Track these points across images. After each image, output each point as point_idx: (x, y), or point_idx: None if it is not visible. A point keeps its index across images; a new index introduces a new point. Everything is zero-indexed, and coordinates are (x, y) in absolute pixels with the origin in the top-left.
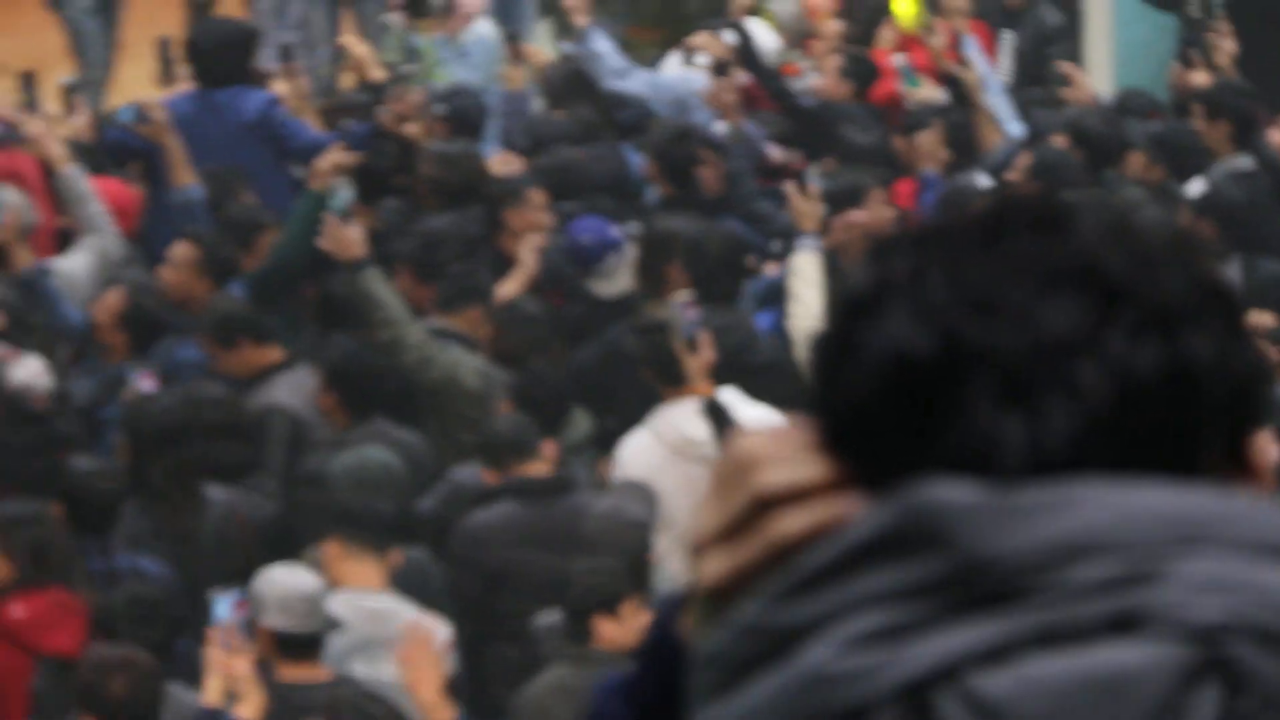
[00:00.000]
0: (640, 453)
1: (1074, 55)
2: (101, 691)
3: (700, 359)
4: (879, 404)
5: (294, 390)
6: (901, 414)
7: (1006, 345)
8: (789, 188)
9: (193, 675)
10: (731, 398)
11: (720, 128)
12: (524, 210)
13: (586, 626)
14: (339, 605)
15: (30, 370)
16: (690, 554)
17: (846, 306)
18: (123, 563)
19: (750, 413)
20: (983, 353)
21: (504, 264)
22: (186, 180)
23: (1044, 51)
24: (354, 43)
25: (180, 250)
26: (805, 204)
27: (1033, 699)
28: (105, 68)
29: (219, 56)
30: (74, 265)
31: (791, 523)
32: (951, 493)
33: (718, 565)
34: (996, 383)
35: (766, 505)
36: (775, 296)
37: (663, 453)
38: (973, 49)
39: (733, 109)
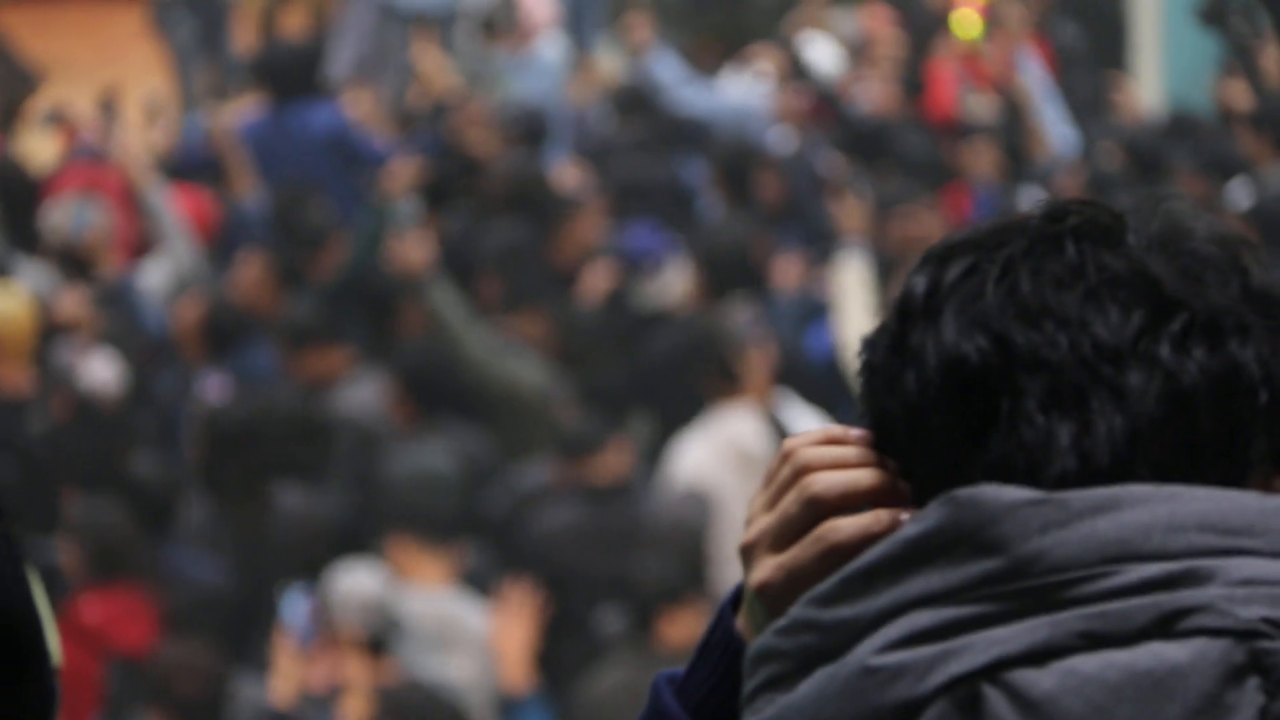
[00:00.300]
0: (697, 457)
1: (1119, 65)
2: (169, 689)
3: (758, 364)
4: (931, 406)
5: (364, 393)
6: (953, 417)
7: (1057, 352)
8: (834, 195)
9: (261, 673)
10: (788, 403)
11: (781, 139)
12: (582, 220)
13: (650, 627)
14: (406, 604)
15: (100, 371)
16: (742, 555)
17: (901, 310)
18: (190, 561)
19: (806, 418)
20: (1033, 359)
21: (561, 272)
22: (248, 192)
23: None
24: (425, 56)
25: (249, 259)
26: (849, 211)
27: (1077, 695)
28: (199, 90)
29: (287, 70)
30: (152, 274)
31: (845, 527)
32: (1001, 495)
33: (770, 567)
34: (1046, 388)
35: (820, 509)
36: (819, 309)
37: (720, 458)
38: (1029, 61)
39: (797, 120)
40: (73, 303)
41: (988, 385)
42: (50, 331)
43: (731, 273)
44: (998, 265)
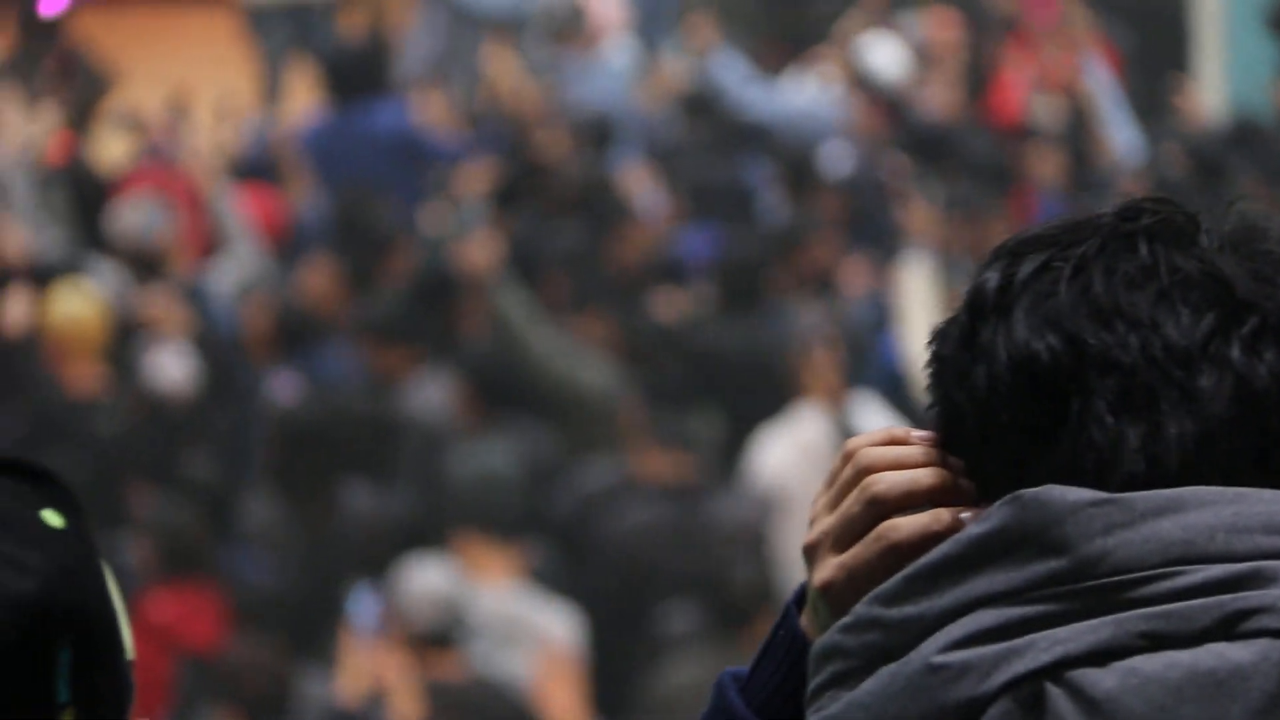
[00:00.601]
0: (776, 454)
1: (1181, 69)
2: (237, 686)
3: (826, 365)
4: (1001, 403)
5: (431, 391)
6: (1022, 414)
7: (1128, 353)
8: (900, 199)
9: (326, 669)
10: (858, 404)
11: (843, 145)
12: (645, 224)
13: (728, 627)
14: (474, 601)
15: (172, 370)
16: (806, 555)
17: (973, 305)
18: (251, 560)
19: (875, 419)
20: (1105, 360)
21: (625, 274)
22: (305, 195)
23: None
24: (495, 58)
25: (318, 262)
26: (917, 214)
27: (1139, 695)
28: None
29: (351, 72)
30: (221, 275)
31: (905, 526)
32: (1066, 496)
33: (833, 566)
34: (1117, 390)
35: (881, 509)
36: (886, 313)
37: (796, 456)
38: (1094, 65)
39: (861, 124)
40: (154, 303)
41: (1058, 385)
42: (122, 331)
43: (742, 289)
44: (1070, 263)
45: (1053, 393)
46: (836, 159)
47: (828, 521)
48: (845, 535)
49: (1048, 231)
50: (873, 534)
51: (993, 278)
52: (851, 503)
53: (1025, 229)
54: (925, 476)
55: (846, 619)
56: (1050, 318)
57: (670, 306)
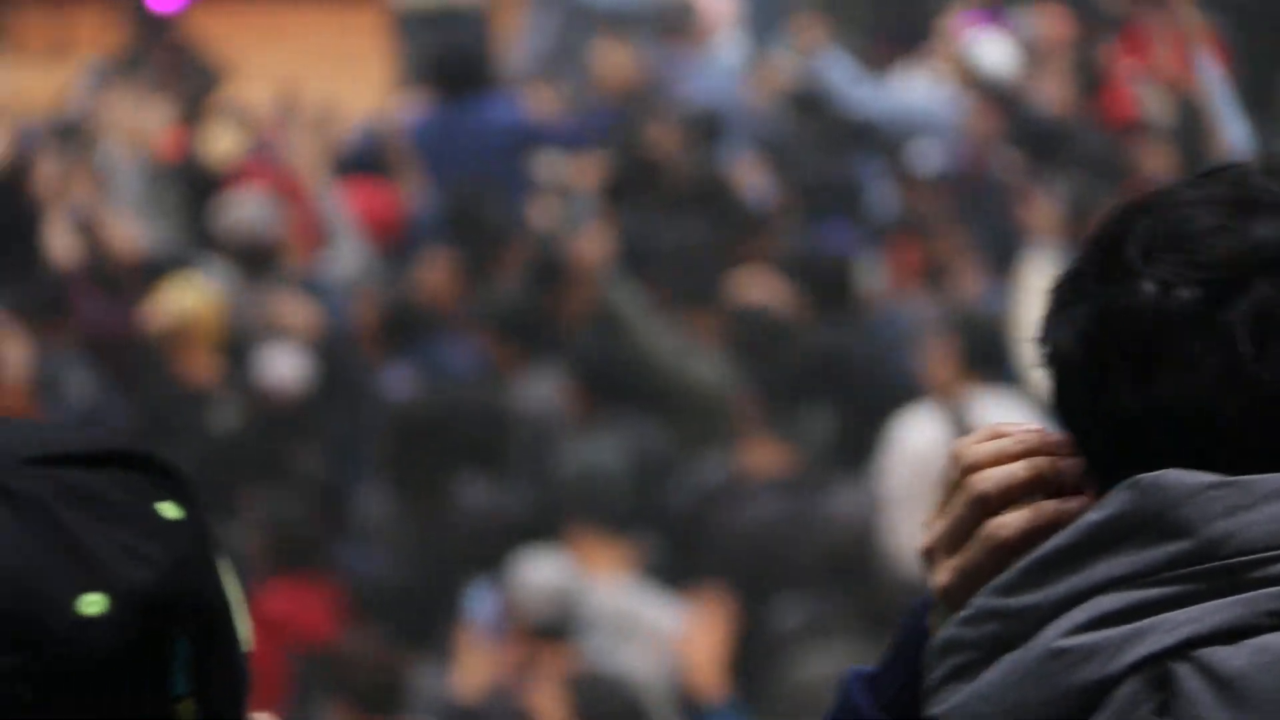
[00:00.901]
0: (899, 451)
1: None
2: (350, 680)
3: (944, 360)
4: (1108, 343)
5: (546, 385)
6: (1125, 360)
7: (1237, 319)
8: (1019, 196)
9: (441, 664)
10: (989, 399)
11: (954, 139)
12: (760, 219)
13: (854, 621)
14: (589, 595)
15: (284, 364)
16: (924, 559)
17: (1093, 254)
18: (364, 555)
19: (1005, 413)
20: (1214, 324)
21: (739, 269)
22: (418, 190)
23: None
24: (606, 54)
25: (435, 256)
26: (1038, 211)
27: (1271, 672)
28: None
29: (459, 67)
30: (330, 270)
31: (1009, 524)
32: (1184, 479)
33: (947, 570)
34: (1227, 355)
35: (986, 507)
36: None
37: (919, 453)
38: (1205, 60)
39: (979, 121)
40: (277, 300)
41: (1171, 342)
42: (236, 327)
43: (833, 284)
44: (1188, 234)
45: (1160, 338)
46: (945, 155)
47: (940, 524)
48: (955, 537)
49: (1162, 200)
50: (980, 534)
51: (1114, 230)
52: (958, 503)
53: (1147, 188)
54: (1022, 470)
55: (965, 612)
56: (1167, 282)
57: (776, 299)
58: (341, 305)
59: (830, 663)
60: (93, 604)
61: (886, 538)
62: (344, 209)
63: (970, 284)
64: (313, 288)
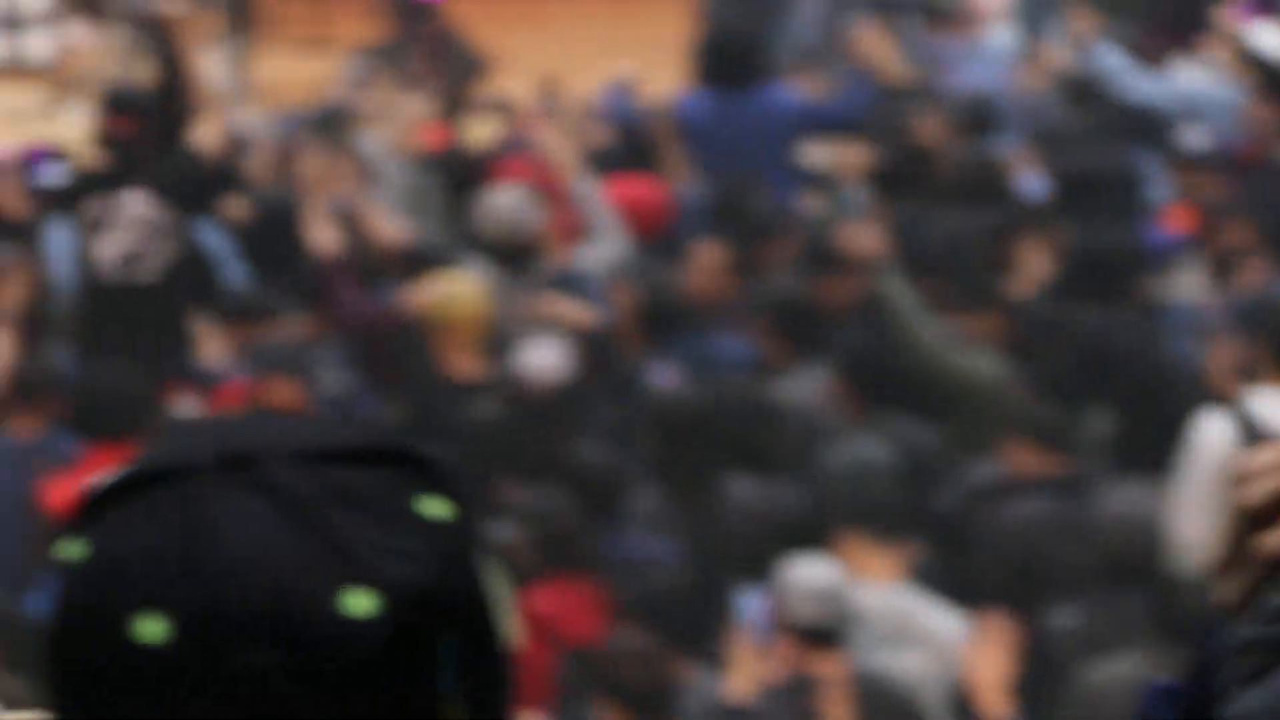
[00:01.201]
0: (1195, 452)
1: None
2: (619, 679)
3: (1224, 361)
4: None
5: (812, 380)
6: None
7: None
8: None
9: (712, 665)
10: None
11: (1235, 129)
12: (1034, 211)
13: (1152, 626)
14: (860, 598)
15: (541, 358)
16: (1209, 576)
17: None
18: (639, 550)
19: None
20: None
21: (1013, 265)
22: (685, 180)
23: None
24: (873, 44)
25: (707, 248)
26: None
27: None
28: None
29: (729, 56)
30: (590, 263)
31: (1273, 541)
32: None
33: (1225, 585)
34: None
35: (1254, 522)
36: None
37: (1211, 453)
38: None
39: (1259, 111)
40: (544, 298)
41: None
42: (500, 319)
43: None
44: None
45: None
46: (1224, 140)
47: (1220, 540)
48: (1230, 551)
49: None
50: (1249, 551)
51: None
52: (1231, 519)
53: None
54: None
55: (1264, 611)
56: None
57: (1040, 290)
58: (599, 298)
59: (1117, 672)
60: (358, 602)
61: (1176, 542)
62: (603, 200)
63: (1257, 275)
64: (571, 281)
